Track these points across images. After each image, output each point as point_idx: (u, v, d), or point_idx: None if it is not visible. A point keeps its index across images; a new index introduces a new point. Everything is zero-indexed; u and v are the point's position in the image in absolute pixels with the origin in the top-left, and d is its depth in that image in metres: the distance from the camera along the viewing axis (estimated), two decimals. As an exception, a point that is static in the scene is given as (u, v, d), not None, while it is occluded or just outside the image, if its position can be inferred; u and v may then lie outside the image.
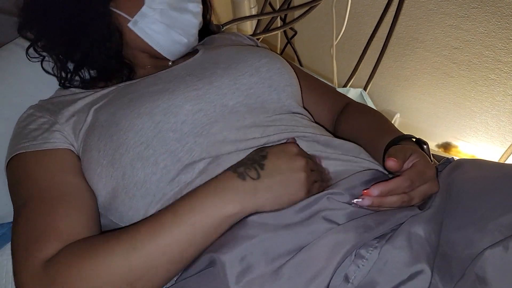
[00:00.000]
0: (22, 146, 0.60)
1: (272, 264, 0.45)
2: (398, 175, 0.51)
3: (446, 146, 1.40)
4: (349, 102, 0.79)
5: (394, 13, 1.27)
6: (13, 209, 0.55)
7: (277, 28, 1.28)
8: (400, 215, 0.49)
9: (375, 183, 0.49)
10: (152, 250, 0.46)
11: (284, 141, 0.59)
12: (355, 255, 0.46)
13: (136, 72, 0.72)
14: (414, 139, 0.62)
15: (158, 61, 0.73)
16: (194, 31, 0.71)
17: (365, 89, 1.37)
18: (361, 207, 0.50)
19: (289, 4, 1.25)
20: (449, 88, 1.41)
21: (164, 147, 0.57)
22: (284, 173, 0.50)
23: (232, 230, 0.49)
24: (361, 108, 0.76)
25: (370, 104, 1.05)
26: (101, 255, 0.46)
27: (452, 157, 0.61)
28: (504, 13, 1.14)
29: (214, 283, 0.44)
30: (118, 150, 0.57)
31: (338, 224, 0.48)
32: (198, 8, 0.70)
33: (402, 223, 0.49)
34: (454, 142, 1.40)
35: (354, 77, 1.35)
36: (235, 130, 0.59)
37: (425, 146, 0.59)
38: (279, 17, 1.38)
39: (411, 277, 0.44)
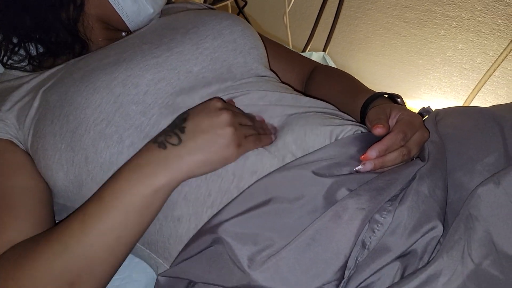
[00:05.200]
0: None
1: (288, 237, 0.42)
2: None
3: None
4: (317, 65, 0.77)
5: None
6: None
7: (228, -2, 1.23)
8: (406, 171, 0.47)
9: (371, 146, 0.47)
10: (85, 244, 0.44)
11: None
12: (369, 221, 0.44)
13: (89, 47, 0.65)
14: (386, 95, 0.61)
15: (112, 33, 0.66)
16: (161, 2, 0.66)
17: (324, 49, 1.35)
18: (365, 172, 0.48)
19: (238, -28, 1.19)
20: (402, 47, 1.43)
21: (128, 122, 0.52)
22: (207, 131, 0.47)
23: (233, 203, 0.46)
24: (329, 70, 0.74)
25: (329, 62, 1.04)
26: (37, 259, 0.44)
27: (428, 106, 0.61)
28: (450, -33, 1.15)
29: (221, 265, 0.41)
30: (76, 130, 0.51)
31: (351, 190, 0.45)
32: None
33: (411, 180, 0.47)
34: (409, 100, 1.43)
35: (310, 44, 1.34)
36: (201, 98, 0.55)
37: (398, 100, 0.59)
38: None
39: (423, 234, 0.43)
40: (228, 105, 0.51)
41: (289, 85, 0.68)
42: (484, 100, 1.40)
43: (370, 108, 0.57)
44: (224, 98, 0.56)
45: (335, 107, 0.61)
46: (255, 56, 0.63)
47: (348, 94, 0.65)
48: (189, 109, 0.51)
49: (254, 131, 0.50)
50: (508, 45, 1.17)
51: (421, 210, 0.45)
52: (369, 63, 1.54)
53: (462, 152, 0.51)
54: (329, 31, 1.39)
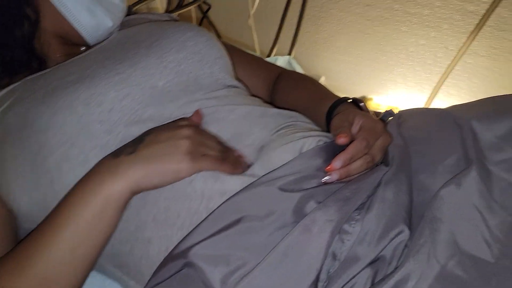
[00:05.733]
0: None
1: (260, 256, 0.42)
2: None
3: (364, 100, 1.46)
4: (282, 71, 0.78)
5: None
6: None
7: (191, 3, 1.22)
8: (371, 178, 0.48)
9: (335, 157, 0.48)
10: (39, 261, 0.44)
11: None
12: (339, 231, 0.45)
13: (46, 64, 0.63)
14: (350, 100, 0.62)
15: (71, 48, 0.64)
16: (121, 14, 0.65)
17: (290, 52, 1.36)
18: (332, 183, 0.49)
19: (199, -24, 1.18)
20: (366, 45, 1.46)
21: (93, 141, 0.50)
22: (163, 143, 0.47)
23: (202, 224, 0.45)
24: (295, 76, 0.75)
25: (299, 70, 1.04)
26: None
27: (391, 109, 0.62)
28: (408, -34, 1.18)
29: None
30: (39, 153, 0.49)
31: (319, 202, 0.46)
32: None
33: (377, 186, 0.48)
34: (376, 96, 1.46)
35: (276, 46, 1.34)
36: (170, 113, 0.54)
37: (361, 104, 0.60)
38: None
39: (391, 240, 0.44)
40: (194, 125, 0.51)
41: (257, 96, 0.68)
42: (447, 93, 1.45)
43: (334, 114, 0.58)
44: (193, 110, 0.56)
45: (302, 114, 0.62)
46: (221, 66, 0.62)
47: (313, 101, 0.65)
48: (156, 126, 0.50)
49: (215, 153, 0.50)
50: (467, 39, 1.22)
51: (388, 216, 0.45)
52: (335, 61, 1.56)
53: (424, 154, 0.52)
54: (294, 31, 1.39)
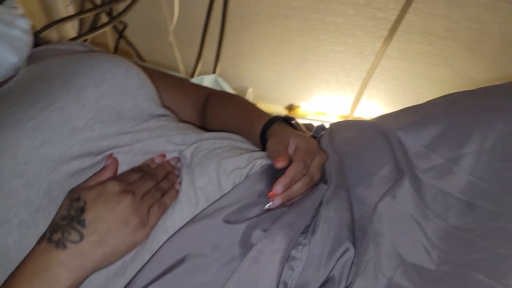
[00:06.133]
0: None
1: None
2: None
3: (292, 108, 1.49)
4: (210, 92, 0.75)
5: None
6: None
7: (105, 25, 1.15)
8: (313, 198, 0.48)
9: (275, 181, 0.47)
10: None
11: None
12: (287, 259, 0.44)
13: None
14: (282, 118, 0.62)
15: None
16: (26, 48, 0.58)
17: (215, 68, 1.34)
18: (276, 208, 0.48)
19: (111, -4, 1.12)
20: (289, 54, 1.49)
21: (12, 199, 0.44)
22: (110, 222, 0.44)
23: (145, 268, 0.42)
24: (224, 96, 0.73)
25: (226, 88, 1.03)
26: None
27: (322, 124, 0.63)
28: (320, -23, 1.22)
29: None
30: None
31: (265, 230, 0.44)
32: (28, 25, 0.59)
33: (318, 205, 0.48)
34: (303, 103, 1.50)
35: (200, 62, 1.31)
36: (93, 157, 0.50)
37: (293, 122, 0.60)
38: (104, 12, 1.24)
39: (338, 259, 0.44)
40: (124, 184, 0.47)
41: (187, 121, 0.65)
42: (369, 94, 1.53)
43: (268, 135, 0.57)
44: (120, 149, 0.51)
45: (237, 136, 0.61)
46: (145, 96, 0.59)
47: (245, 121, 0.64)
48: (82, 192, 0.45)
49: (156, 196, 0.48)
50: (383, 44, 1.29)
51: (332, 236, 0.45)
52: (261, 72, 1.58)
53: (358, 167, 0.53)
54: (217, 45, 1.38)
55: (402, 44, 1.34)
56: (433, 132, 0.50)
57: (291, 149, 0.52)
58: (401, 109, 0.57)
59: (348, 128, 0.59)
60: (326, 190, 0.50)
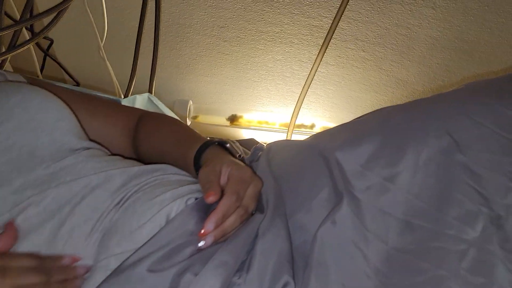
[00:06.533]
0: None
1: None
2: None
3: (234, 119, 1.48)
4: (141, 114, 0.70)
5: (155, 1, 1.20)
6: None
7: (27, 42, 1.06)
8: (247, 231, 0.45)
9: (207, 218, 0.44)
10: None
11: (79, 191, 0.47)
12: None
13: None
14: (216, 143, 0.59)
15: None
16: None
17: (150, 83, 1.28)
18: (209, 246, 0.45)
19: (31, 11, 1.03)
20: (228, 65, 1.47)
21: None
22: None
23: None
24: (156, 118, 0.68)
25: (160, 106, 0.98)
26: None
27: (259, 144, 0.62)
28: (253, -13, 1.22)
29: None
30: None
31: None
32: None
33: (254, 238, 0.46)
34: (245, 114, 1.49)
35: (134, 77, 1.25)
36: (2, 200, 0.44)
37: (228, 146, 0.57)
38: (24, 29, 1.15)
39: None
40: (4, 262, 0.40)
41: (117, 150, 0.60)
42: (309, 101, 1.54)
43: (202, 162, 0.55)
44: (29, 208, 0.45)
45: (169, 163, 0.57)
46: (64, 129, 0.53)
47: (178, 149, 0.60)
48: None
49: (43, 280, 0.40)
50: (319, 52, 1.29)
51: (270, 270, 0.43)
52: (201, 83, 1.54)
53: (297, 192, 0.52)
54: (152, 59, 1.32)
55: (337, 51, 1.36)
56: (369, 151, 0.50)
57: (223, 179, 0.49)
58: (337, 127, 0.57)
59: (286, 149, 0.58)
60: (262, 220, 0.47)
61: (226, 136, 1.76)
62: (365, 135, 0.51)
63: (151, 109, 0.96)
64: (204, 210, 0.46)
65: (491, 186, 0.44)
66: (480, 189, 0.44)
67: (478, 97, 0.51)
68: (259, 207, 0.50)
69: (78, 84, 1.28)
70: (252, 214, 0.50)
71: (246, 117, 1.48)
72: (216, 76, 1.51)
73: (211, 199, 0.45)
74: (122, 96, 1.27)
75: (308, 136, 0.58)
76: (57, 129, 0.52)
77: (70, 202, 0.46)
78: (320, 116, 1.60)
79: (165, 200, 0.48)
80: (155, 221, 0.46)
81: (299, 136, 1.72)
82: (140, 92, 1.32)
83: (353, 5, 1.23)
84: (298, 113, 1.32)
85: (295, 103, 1.31)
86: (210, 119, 1.47)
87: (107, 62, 1.31)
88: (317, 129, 1.47)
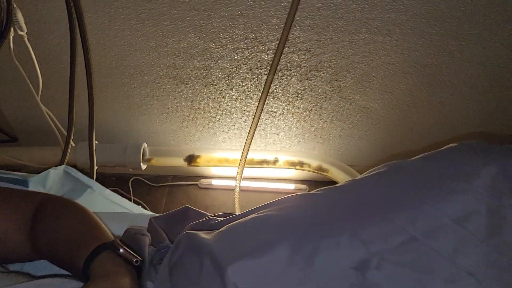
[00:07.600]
0: None
1: None
2: None
3: (192, 159, 1.39)
4: (40, 202, 0.61)
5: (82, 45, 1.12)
6: None
7: None
8: None
9: None
10: None
11: None
12: None
13: None
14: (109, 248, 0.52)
15: None
16: None
17: (90, 131, 1.18)
18: None
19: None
20: (182, 102, 1.39)
21: None
22: None
23: None
24: (55, 207, 0.60)
25: (81, 177, 0.88)
26: None
27: (167, 243, 0.54)
28: (196, 25, 1.14)
29: None
30: None
31: None
32: None
33: None
34: (203, 152, 1.40)
35: (72, 128, 1.16)
36: None
37: (121, 251, 0.51)
38: None
39: None
40: None
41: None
42: (271, 133, 1.47)
43: (90, 272, 0.49)
44: None
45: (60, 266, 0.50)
46: None
47: (69, 251, 0.54)
48: None
49: None
50: (263, 86, 1.21)
51: None
52: (156, 122, 1.46)
53: None
54: (88, 105, 1.22)
55: (293, 83, 1.29)
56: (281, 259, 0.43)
57: None
58: (240, 231, 0.49)
59: (189, 254, 0.49)
60: None
61: (184, 173, 1.67)
62: (267, 245, 0.44)
63: (68, 183, 0.86)
64: None
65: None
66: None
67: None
68: None
69: (16, 140, 1.20)
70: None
71: (205, 156, 1.40)
72: (171, 115, 1.43)
73: None
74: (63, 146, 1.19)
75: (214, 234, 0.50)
76: None
77: None
78: (286, 147, 1.52)
79: None
80: None
81: (262, 170, 1.63)
82: (84, 138, 1.24)
83: (304, 37, 1.16)
84: (248, 148, 1.24)
85: (250, 137, 1.23)
86: (167, 161, 1.39)
87: (47, 115, 1.23)
88: (280, 164, 1.39)
